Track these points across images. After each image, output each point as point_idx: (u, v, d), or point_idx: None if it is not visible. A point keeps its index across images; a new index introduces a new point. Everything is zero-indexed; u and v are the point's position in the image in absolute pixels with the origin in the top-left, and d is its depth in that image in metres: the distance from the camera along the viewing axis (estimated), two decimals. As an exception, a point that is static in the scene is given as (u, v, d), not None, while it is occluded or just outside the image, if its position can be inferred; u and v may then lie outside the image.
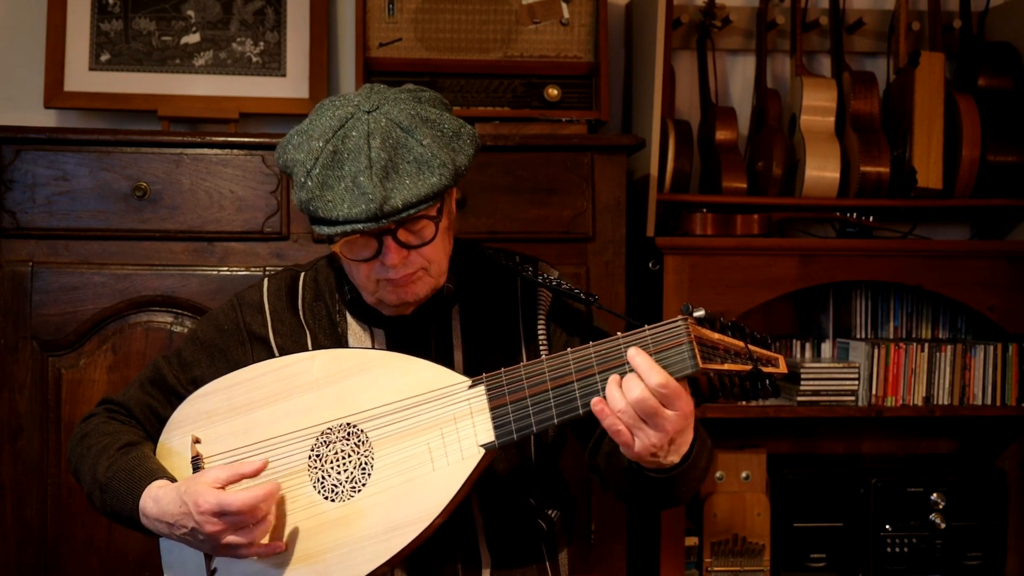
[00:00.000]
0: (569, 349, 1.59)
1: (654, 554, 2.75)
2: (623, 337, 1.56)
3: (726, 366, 1.53)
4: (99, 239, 2.50)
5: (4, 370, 2.47)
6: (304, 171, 1.62)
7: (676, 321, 1.53)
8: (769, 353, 1.57)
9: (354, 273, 1.72)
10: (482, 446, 1.61)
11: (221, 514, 1.58)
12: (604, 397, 1.53)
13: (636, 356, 1.51)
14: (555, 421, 1.58)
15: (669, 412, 1.50)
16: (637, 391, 1.49)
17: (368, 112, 1.63)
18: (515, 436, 1.60)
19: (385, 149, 1.59)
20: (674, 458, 1.56)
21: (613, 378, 1.53)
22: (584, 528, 2.53)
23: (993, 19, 3.11)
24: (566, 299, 1.85)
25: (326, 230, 1.61)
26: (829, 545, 2.87)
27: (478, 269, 1.86)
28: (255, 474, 1.65)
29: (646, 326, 1.55)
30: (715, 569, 2.82)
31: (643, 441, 1.52)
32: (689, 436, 1.57)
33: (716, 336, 1.54)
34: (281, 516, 1.67)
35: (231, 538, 1.60)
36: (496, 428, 1.60)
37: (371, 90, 1.69)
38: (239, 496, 1.59)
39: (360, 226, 1.58)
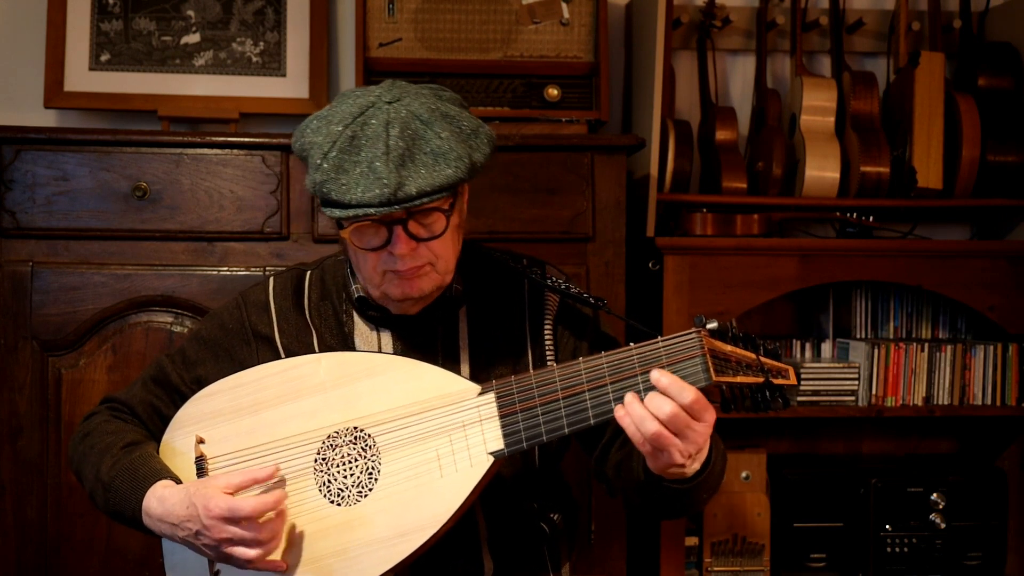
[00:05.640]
0: (581, 359, 1.59)
1: (654, 554, 2.75)
2: (636, 348, 1.55)
3: (738, 378, 1.53)
4: (99, 239, 2.49)
5: (4, 370, 2.46)
6: (321, 153, 1.61)
7: (689, 333, 1.53)
8: (780, 364, 1.57)
9: (361, 264, 1.71)
10: (491, 454, 1.61)
11: (231, 520, 1.58)
12: (618, 409, 1.54)
13: (662, 378, 1.51)
14: (566, 431, 1.58)
15: (699, 424, 1.51)
16: (668, 407, 1.50)
17: (389, 103, 1.63)
18: (524, 444, 1.60)
19: (403, 138, 1.59)
20: (696, 466, 1.57)
21: (632, 397, 1.53)
22: (584, 529, 2.53)
23: (993, 19, 3.11)
24: (574, 303, 1.85)
25: (338, 213, 1.60)
26: (829, 545, 2.87)
27: (486, 271, 1.85)
28: (268, 480, 1.65)
29: (659, 337, 1.55)
30: (715, 569, 2.83)
31: (670, 457, 1.53)
32: (707, 443, 1.58)
33: (728, 348, 1.54)
34: (285, 520, 1.66)
35: (237, 549, 1.60)
36: (506, 436, 1.60)
37: (393, 84, 1.69)
38: (249, 501, 1.59)
39: (372, 210, 1.57)
